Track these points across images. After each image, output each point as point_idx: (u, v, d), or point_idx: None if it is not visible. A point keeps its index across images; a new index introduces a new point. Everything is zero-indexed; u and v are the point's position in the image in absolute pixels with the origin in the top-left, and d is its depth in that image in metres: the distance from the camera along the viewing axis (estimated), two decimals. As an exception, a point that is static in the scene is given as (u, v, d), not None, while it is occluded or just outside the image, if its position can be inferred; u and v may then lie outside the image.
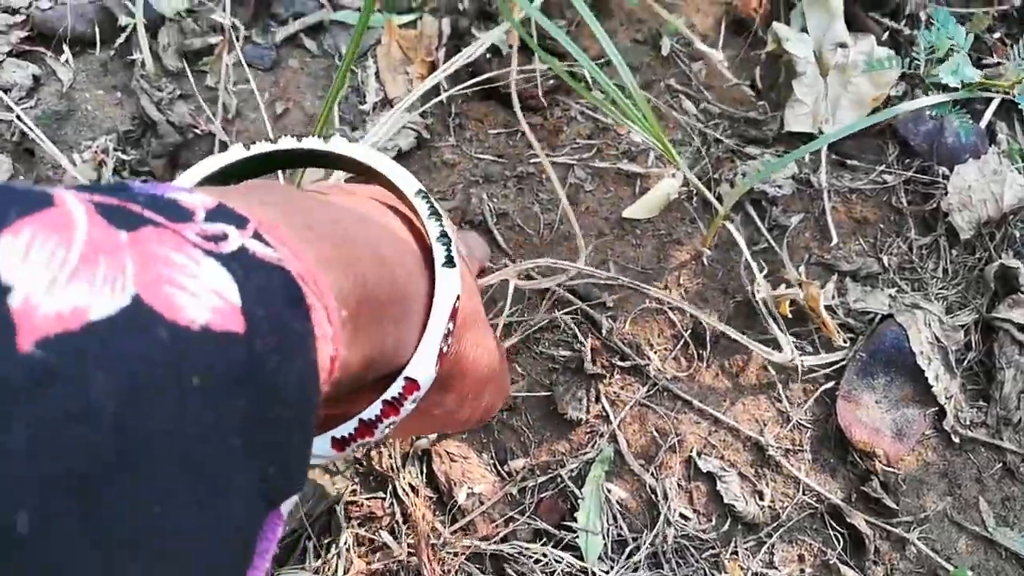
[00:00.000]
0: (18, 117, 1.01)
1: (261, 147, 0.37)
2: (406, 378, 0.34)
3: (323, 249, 0.27)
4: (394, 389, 0.34)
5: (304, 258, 0.25)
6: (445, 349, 0.35)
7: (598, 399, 0.93)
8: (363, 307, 0.28)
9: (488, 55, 1.04)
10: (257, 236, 0.23)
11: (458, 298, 0.35)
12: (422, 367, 0.34)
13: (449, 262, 0.35)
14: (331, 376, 0.26)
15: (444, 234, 0.36)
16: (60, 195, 0.20)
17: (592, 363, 0.92)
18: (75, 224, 0.19)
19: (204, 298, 0.20)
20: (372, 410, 0.34)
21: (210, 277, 0.21)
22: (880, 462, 0.90)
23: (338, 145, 0.38)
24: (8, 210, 0.18)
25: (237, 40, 1.07)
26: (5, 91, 1.03)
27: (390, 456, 0.91)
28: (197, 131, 1.04)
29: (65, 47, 1.05)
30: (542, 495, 0.92)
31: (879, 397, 0.94)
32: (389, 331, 0.32)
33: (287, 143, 0.38)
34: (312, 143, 0.37)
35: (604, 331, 0.95)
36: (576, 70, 1.06)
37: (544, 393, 0.94)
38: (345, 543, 0.87)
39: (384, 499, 0.90)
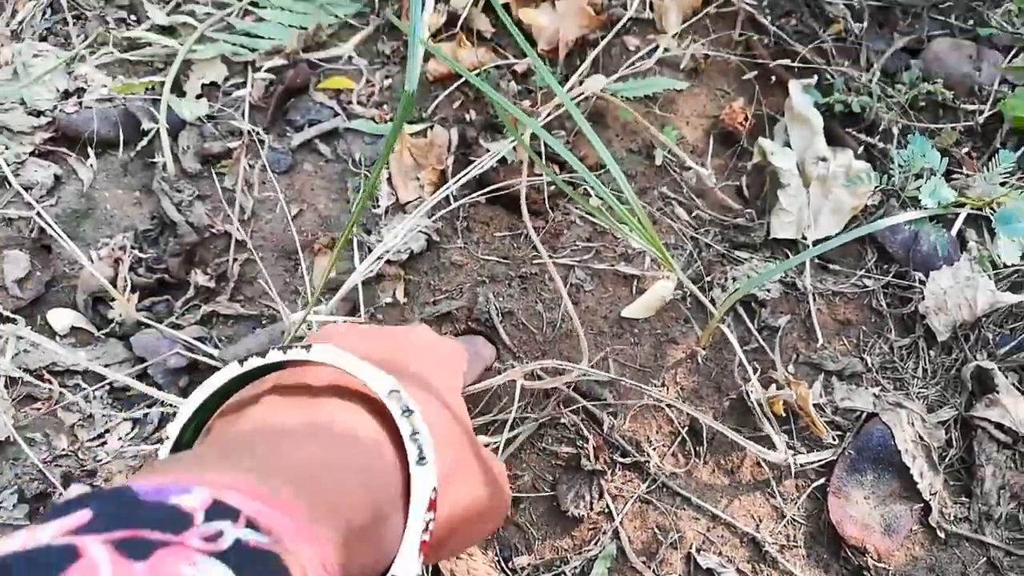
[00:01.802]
0: (38, 214, 1.05)
1: (253, 362, 0.43)
2: None
3: (314, 503, 0.32)
4: None
5: (297, 517, 0.30)
6: (427, 538, 0.39)
7: (601, 495, 0.96)
8: (351, 539, 0.34)
9: (494, 164, 1.10)
10: (250, 525, 0.28)
11: (435, 490, 0.39)
12: (405, 566, 0.37)
13: (422, 460, 0.39)
14: None
15: (415, 432, 0.39)
16: (82, 545, 0.25)
17: (594, 459, 0.95)
18: (99, 571, 0.24)
19: None
20: None
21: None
22: (871, 558, 0.94)
23: (321, 355, 0.41)
24: (47, 572, 0.23)
25: (256, 144, 1.13)
26: (27, 189, 1.07)
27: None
28: (214, 231, 1.08)
29: (90, 149, 1.10)
30: (546, 591, 0.93)
31: (868, 493, 0.98)
32: (374, 545, 0.37)
33: (275, 356, 0.42)
34: (296, 354, 0.42)
35: (605, 428, 0.98)
36: (576, 179, 1.13)
37: (548, 492, 0.97)
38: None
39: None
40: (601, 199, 1.09)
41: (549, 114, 1.14)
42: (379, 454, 0.40)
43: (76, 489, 0.94)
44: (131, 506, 0.27)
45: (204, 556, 0.26)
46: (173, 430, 0.42)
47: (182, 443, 0.42)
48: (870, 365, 1.06)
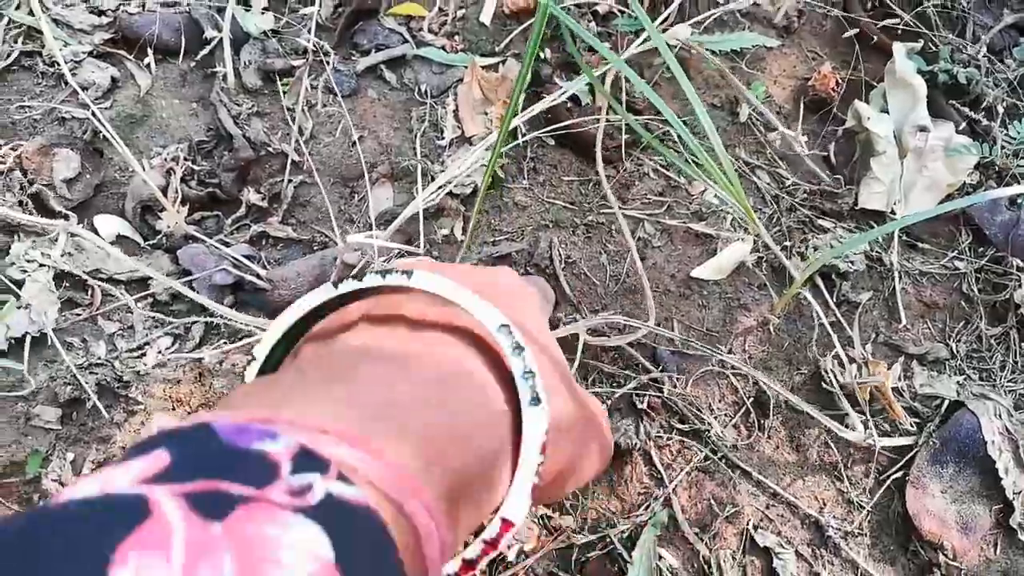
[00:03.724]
0: (93, 115, 1.01)
1: (348, 285, 0.38)
2: (502, 519, 0.34)
3: (415, 450, 0.29)
4: (491, 530, 0.34)
5: (399, 467, 0.27)
6: (537, 481, 0.35)
7: (639, 439, 0.90)
8: (457, 493, 0.30)
9: (568, 103, 1.04)
10: (341, 477, 0.25)
11: (546, 433, 0.35)
12: (515, 509, 0.34)
13: (535, 400, 0.35)
14: (444, 559, 0.28)
15: (528, 371, 0.35)
16: (154, 499, 0.21)
17: (647, 409, 0.90)
18: (172, 532, 0.21)
19: (300, 567, 0.22)
20: (473, 550, 0.35)
21: (302, 538, 0.22)
22: (945, 555, 0.87)
23: (423, 281, 0.37)
24: (112, 531, 0.20)
25: (320, 65, 1.08)
26: (83, 89, 1.03)
27: (436, 497, 0.87)
28: (270, 149, 1.03)
29: (150, 53, 1.06)
30: (589, 554, 0.88)
31: (945, 487, 0.90)
32: (484, 498, 0.33)
33: (373, 280, 0.37)
34: (396, 279, 0.37)
35: (666, 391, 0.92)
36: (652, 127, 1.06)
37: (599, 448, 0.91)
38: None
39: (426, 542, 0.86)
40: (685, 150, 1.03)
41: (629, 59, 1.08)
42: (487, 393, 0.35)
43: (159, 420, 0.90)
44: (212, 451, 0.24)
45: (291, 513, 0.23)
46: (261, 351, 0.38)
47: (269, 365, 0.39)
48: (955, 352, 0.98)
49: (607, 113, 1.04)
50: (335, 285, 0.38)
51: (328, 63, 1.08)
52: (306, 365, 0.36)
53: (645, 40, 1.03)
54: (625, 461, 0.89)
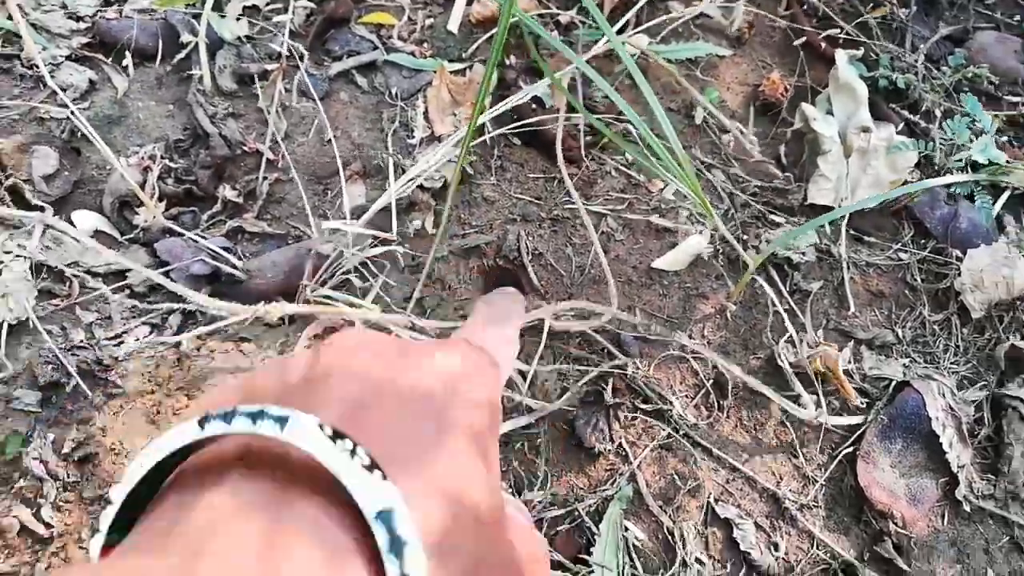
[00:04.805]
0: (72, 114, 1.03)
1: (215, 427, 0.31)
2: None
3: None
4: None
5: None
6: None
7: (611, 430, 0.94)
8: None
9: (533, 105, 1.09)
10: None
11: None
12: None
13: None
14: None
15: None
16: None
17: (612, 395, 0.93)
18: None
19: None
20: None
21: None
22: (896, 524, 0.91)
23: (298, 438, 0.30)
24: None
25: (293, 70, 1.12)
26: (62, 90, 1.05)
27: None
28: (245, 148, 1.06)
29: (128, 55, 1.09)
30: (558, 528, 0.91)
31: (894, 461, 0.95)
32: None
33: (242, 425, 0.31)
34: (269, 430, 0.30)
35: (629, 373, 0.96)
36: (612, 128, 1.12)
37: (565, 428, 0.94)
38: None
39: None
40: (645, 148, 1.08)
41: (589, 62, 1.13)
42: None
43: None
44: None
45: None
46: (119, 494, 0.32)
47: (137, 500, 0.32)
48: (901, 337, 1.04)
49: (569, 114, 1.09)
50: (201, 424, 0.32)
51: (301, 67, 1.12)
52: (147, 544, 0.30)
53: (606, 43, 1.09)
54: (597, 453, 0.92)
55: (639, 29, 1.19)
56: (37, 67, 1.07)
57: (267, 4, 1.17)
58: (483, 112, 1.04)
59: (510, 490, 0.92)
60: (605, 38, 1.12)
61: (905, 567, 0.89)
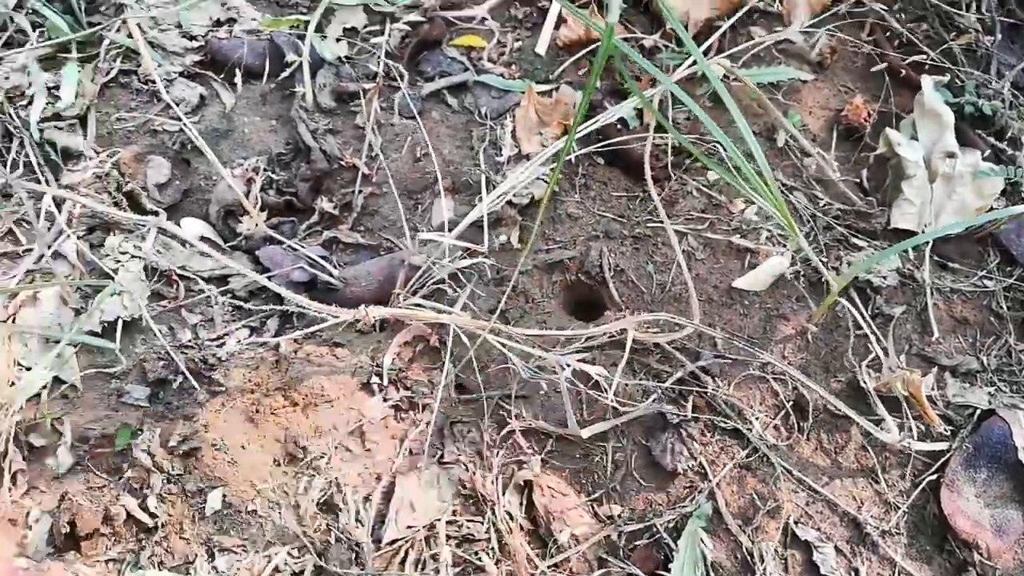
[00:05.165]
0: (185, 127, 1.10)
1: None
2: None
3: None
4: None
5: None
6: None
7: (691, 452, 0.95)
8: None
9: (618, 126, 1.12)
10: None
11: None
12: None
13: None
14: None
15: None
16: None
17: (692, 411, 0.95)
18: None
19: None
20: None
21: None
22: (980, 555, 0.90)
23: None
24: None
25: (387, 89, 1.17)
26: (176, 104, 1.12)
27: (493, 482, 0.93)
28: (342, 163, 1.12)
29: (238, 73, 1.16)
30: (636, 542, 0.92)
31: (979, 491, 0.94)
32: None
33: None
34: None
35: (709, 391, 0.98)
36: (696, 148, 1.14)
37: (643, 442, 0.96)
38: (444, 560, 0.88)
39: (482, 524, 0.91)
40: (733, 167, 1.10)
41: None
42: None
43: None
44: None
45: None
46: None
47: None
48: (986, 365, 1.03)
49: (654, 135, 1.12)
50: None
51: (402, 86, 1.18)
52: None
53: (690, 65, 1.12)
54: (676, 471, 0.94)
55: (723, 55, 1.21)
56: (153, 82, 1.14)
57: (365, 26, 1.23)
58: (576, 134, 1.07)
59: (590, 502, 0.94)
60: (690, 60, 1.15)
61: (990, 597, 0.88)
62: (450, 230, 1.05)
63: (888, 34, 1.27)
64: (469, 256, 1.03)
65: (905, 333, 1.05)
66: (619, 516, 0.93)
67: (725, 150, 1.11)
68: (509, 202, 1.04)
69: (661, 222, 1.09)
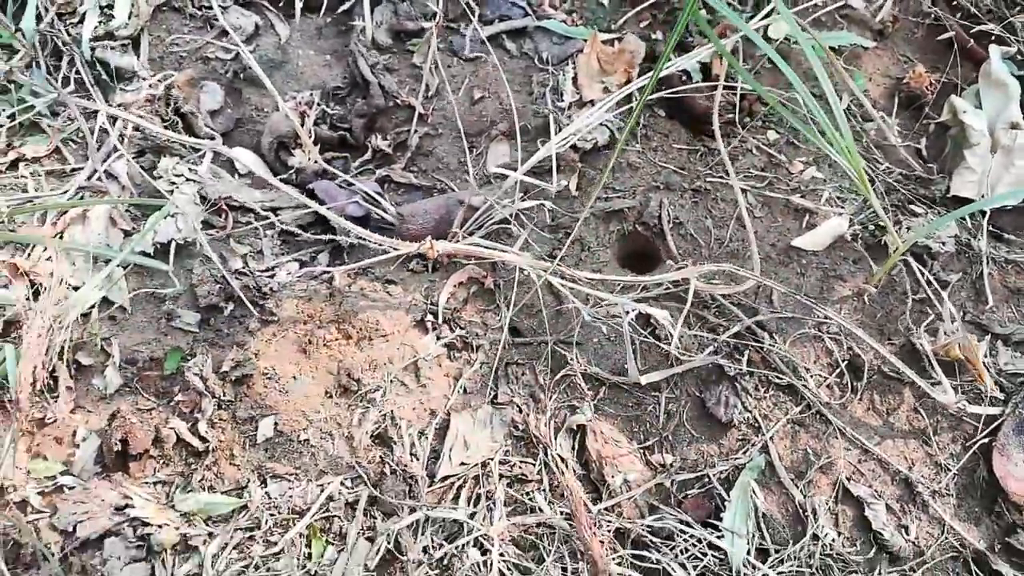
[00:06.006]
0: (241, 53, 1.08)
1: None
2: None
3: None
4: None
5: None
6: None
7: (746, 408, 0.95)
8: None
9: (682, 78, 1.10)
10: None
11: None
12: None
13: None
14: None
15: None
16: None
17: (747, 365, 0.94)
18: None
19: None
20: None
21: None
22: (1031, 518, 0.90)
23: None
24: None
25: (448, 29, 1.15)
26: (233, 30, 1.10)
27: (545, 424, 0.92)
28: (398, 101, 1.10)
29: (298, 3, 1.13)
30: (688, 491, 0.92)
31: (1029, 457, 0.94)
32: None
33: None
34: None
35: (765, 347, 0.97)
36: (756, 109, 1.13)
37: (697, 394, 0.95)
38: (497, 498, 0.87)
39: (534, 465, 0.91)
40: (812, 120, 1.09)
41: (734, 49, 1.15)
42: None
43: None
44: None
45: None
46: None
47: None
48: (1039, 336, 1.03)
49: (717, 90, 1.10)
50: None
51: (455, 28, 1.15)
52: None
53: (768, 15, 1.10)
54: (730, 423, 0.93)
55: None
56: (208, 8, 1.12)
57: (423, -35, 1.21)
58: (655, 89, 1.06)
59: (642, 448, 0.93)
60: (765, 12, 1.13)
61: (1039, 562, 0.88)
62: (502, 178, 1.03)
63: (953, 3, 1.25)
64: (530, 199, 1.02)
65: (959, 300, 1.04)
66: (671, 465, 0.93)
67: (792, 107, 1.09)
68: (573, 147, 1.02)
69: (721, 176, 1.08)
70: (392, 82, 1.10)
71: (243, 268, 0.96)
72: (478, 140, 1.10)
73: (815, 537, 0.89)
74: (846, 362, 0.98)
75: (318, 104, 1.09)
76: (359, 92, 1.09)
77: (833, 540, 0.90)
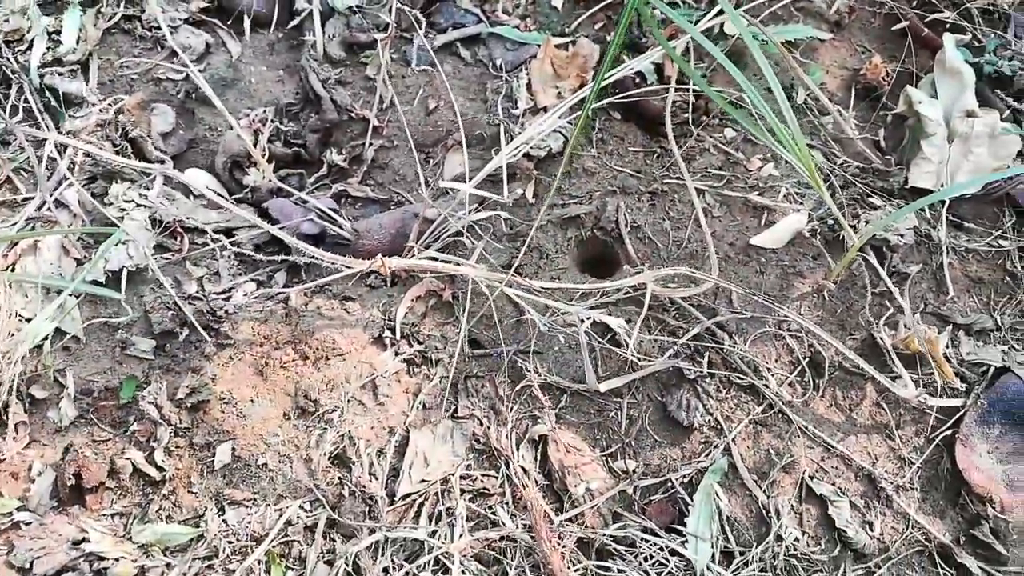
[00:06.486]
0: (191, 74, 1.07)
1: None
2: None
3: None
4: None
5: None
6: None
7: (708, 410, 0.94)
8: None
9: (636, 80, 1.10)
10: None
11: None
12: None
13: None
14: None
15: None
16: None
17: (707, 367, 0.94)
18: None
19: None
20: None
21: None
22: (994, 508, 0.90)
23: None
24: None
25: (400, 39, 1.14)
26: (183, 50, 1.09)
27: (507, 437, 0.92)
28: (352, 114, 1.09)
29: (246, 20, 1.12)
30: (651, 497, 0.92)
31: (992, 447, 0.94)
32: None
33: None
34: None
35: (725, 347, 0.97)
36: (711, 107, 1.12)
37: (658, 399, 0.95)
38: (459, 514, 0.87)
39: (496, 478, 0.91)
40: (761, 118, 1.09)
41: (687, 49, 1.14)
42: None
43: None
44: None
45: None
46: None
47: None
48: (1000, 324, 1.03)
49: (670, 91, 1.10)
50: None
51: (408, 38, 1.15)
52: None
53: (717, 15, 1.09)
54: (691, 426, 0.93)
55: (740, 10, 1.19)
56: (157, 29, 1.11)
57: (374, -25, 1.20)
58: (603, 88, 1.05)
59: (604, 456, 0.93)
60: (713, 12, 1.12)
61: (1003, 551, 0.88)
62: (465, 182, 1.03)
63: (905, -7, 1.25)
64: (485, 209, 1.01)
65: (920, 292, 1.04)
66: (634, 471, 0.93)
67: (745, 106, 1.09)
68: (526, 155, 1.02)
69: (678, 178, 1.08)
70: (345, 95, 1.09)
71: (197, 292, 0.95)
72: (434, 150, 1.10)
73: (779, 538, 0.89)
74: (807, 359, 0.98)
75: (272, 121, 1.08)
76: (312, 107, 1.08)
77: (797, 540, 0.90)
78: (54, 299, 0.93)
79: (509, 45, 1.15)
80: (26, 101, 1.05)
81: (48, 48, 1.08)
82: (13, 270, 0.94)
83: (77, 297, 0.93)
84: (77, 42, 1.08)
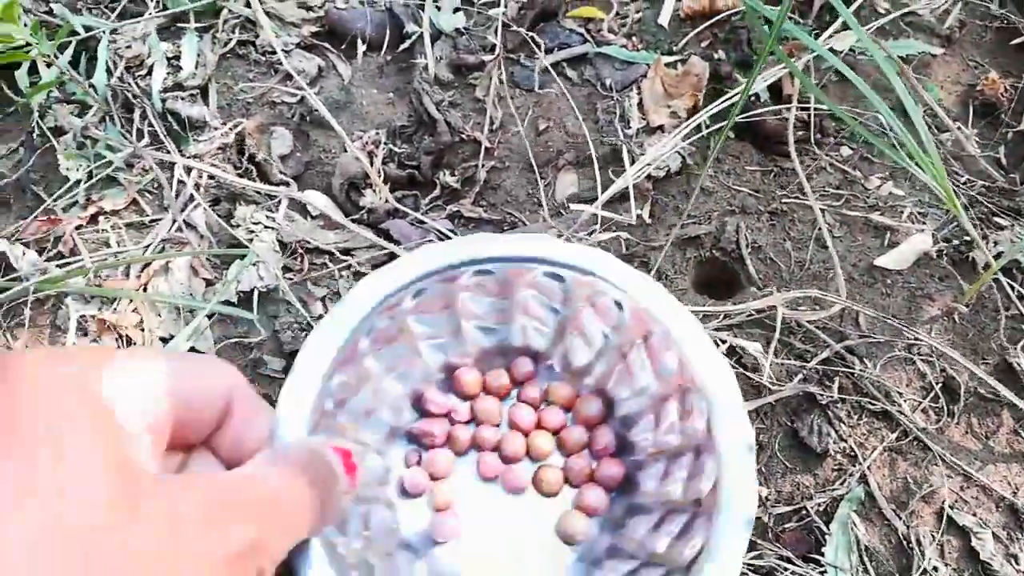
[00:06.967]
0: (306, 97, 1.09)
1: None
2: None
3: None
4: None
5: None
6: None
7: (841, 436, 0.92)
8: None
9: (751, 99, 1.08)
10: None
11: None
12: None
13: None
14: None
15: None
16: None
17: (838, 392, 0.92)
18: None
19: None
20: None
21: None
22: None
23: None
24: None
25: (506, 61, 1.15)
26: (297, 73, 1.11)
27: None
28: (463, 136, 1.09)
29: (359, 44, 1.14)
30: (784, 525, 0.90)
31: None
32: None
33: None
34: None
35: (856, 372, 0.94)
36: (827, 125, 1.10)
37: (789, 425, 0.93)
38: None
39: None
40: (886, 134, 1.07)
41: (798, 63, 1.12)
42: None
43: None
44: None
45: None
46: None
47: None
48: None
49: (783, 106, 1.08)
50: None
51: (514, 59, 1.15)
52: None
53: (839, 30, 1.08)
54: (824, 453, 0.91)
55: (848, 29, 1.17)
56: (271, 53, 1.13)
57: (480, -3, 1.21)
58: (715, 108, 1.04)
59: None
60: (835, 26, 1.11)
61: None
62: (587, 203, 1.02)
63: (1020, 8, 1.22)
64: (605, 231, 1.01)
65: (1054, 315, 1.01)
66: (767, 498, 0.91)
67: (867, 124, 1.07)
68: (648, 176, 1.01)
69: (797, 197, 1.06)
70: (457, 117, 1.09)
71: (322, 313, 0.96)
72: (545, 171, 1.09)
73: (923, 570, 0.86)
74: (940, 384, 0.96)
75: (384, 143, 1.09)
76: (425, 129, 1.09)
77: (936, 569, 0.87)
78: (186, 318, 0.94)
79: (617, 64, 1.14)
80: (150, 125, 1.07)
81: (168, 73, 1.10)
82: (145, 290, 0.96)
83: (209, 317, 0.95)
84: (196, 67, 1.10)
